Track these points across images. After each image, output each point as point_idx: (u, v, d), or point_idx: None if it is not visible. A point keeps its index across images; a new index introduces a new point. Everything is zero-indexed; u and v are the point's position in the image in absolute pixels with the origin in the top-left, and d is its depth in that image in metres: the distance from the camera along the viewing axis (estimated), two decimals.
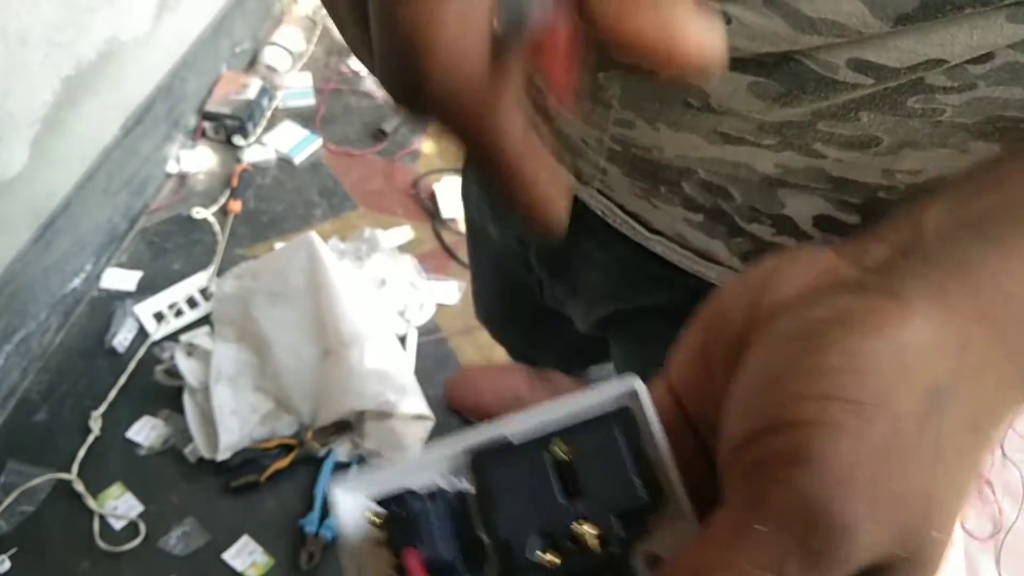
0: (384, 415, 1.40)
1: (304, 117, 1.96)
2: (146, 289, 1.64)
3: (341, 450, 1.43)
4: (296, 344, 1.45)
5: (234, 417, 1.41)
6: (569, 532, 0.25)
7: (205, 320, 1.58)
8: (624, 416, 0.27)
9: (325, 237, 1.67)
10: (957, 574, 1.53)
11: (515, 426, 0.27)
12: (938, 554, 0.23)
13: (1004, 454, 1.64)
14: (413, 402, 1.41)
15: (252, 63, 2.06)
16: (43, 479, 1.38)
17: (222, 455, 1.39)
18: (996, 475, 1.62)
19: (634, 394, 0.27)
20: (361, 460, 1.42)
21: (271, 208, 1.81)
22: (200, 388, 1.45)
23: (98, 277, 1.65)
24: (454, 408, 1.36)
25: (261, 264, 1.54)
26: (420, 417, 1.42)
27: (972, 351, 0.24)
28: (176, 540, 1.35)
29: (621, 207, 0.54)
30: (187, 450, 1.42)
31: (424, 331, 1.61)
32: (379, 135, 1.94)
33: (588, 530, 0.25)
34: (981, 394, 0.24)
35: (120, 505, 1.38)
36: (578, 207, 0.57)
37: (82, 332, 1.59)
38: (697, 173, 0.46)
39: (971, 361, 0.23)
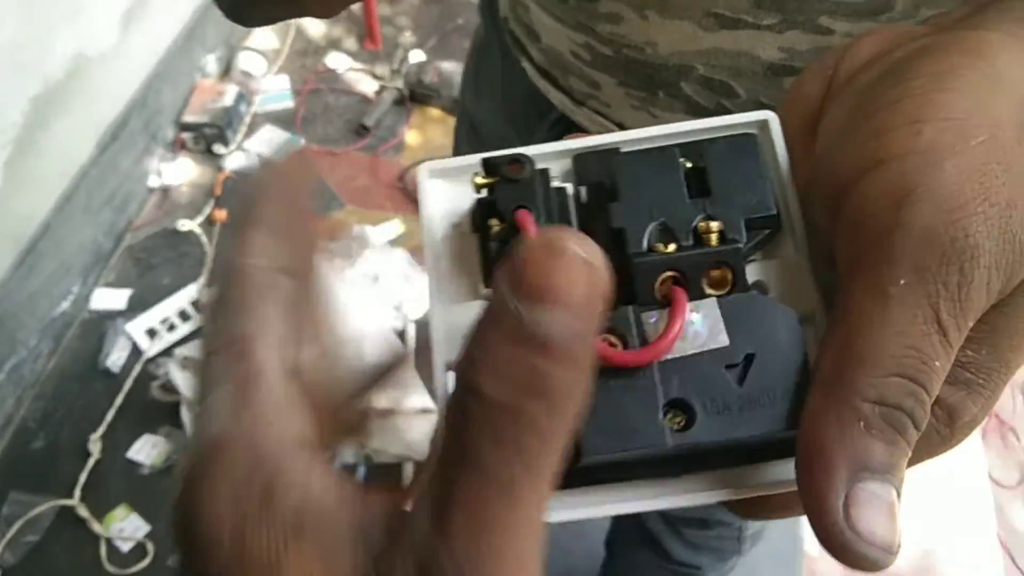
0: (388, 412, 1.37)
1: (284, 120, 1.93)
2: (137, 306, 1.61)
3: (346, 451, 1.39)
4: None
5: None
6: (692, 228, 0.23)
7: (199, 333, 1.54)
8: (754, 138, 0.25)
9: None
10: (988, 525, 1.49)
11: (631, 138, 0.26)
12: None
13: None
14: (416, 397, 1.38)
15: (227, 70, 2.02)
16: (46, 507, 1.35)
17: None
18: (1019, 421, 1.58)
19: (764, 124, 0.26)
20: (368, 460, 1.38)
21: None
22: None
23: (87, 298, 1.62)
24: None
25: None
26: (425, 412, 1.39)
27: None
28: None
29: (620, 125, 0.51)
30: None
31: (422, 324, 1.58)
32: (361, 131, 1.90)
33: (712, 226, 0.23)
34: None
35: (126, 527, 1.35)
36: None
37: (75, 355, 1.56)
38: (696, 70, 0.43)
39: None
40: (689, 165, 0.24)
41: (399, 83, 1.98)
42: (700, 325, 0.22)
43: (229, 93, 1.88)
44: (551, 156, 0.26)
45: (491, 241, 0.24)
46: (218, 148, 1.84)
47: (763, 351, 0.22)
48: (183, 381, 1.44)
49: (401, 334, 1.54)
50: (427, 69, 1.98)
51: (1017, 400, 1.60)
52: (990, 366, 0.21)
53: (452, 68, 1.94)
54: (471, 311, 0.25)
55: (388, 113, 1.95)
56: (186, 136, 1.85)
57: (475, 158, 0.26)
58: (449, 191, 0.26)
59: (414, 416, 1.38)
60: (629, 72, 0.46)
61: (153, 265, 1.69)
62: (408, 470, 1.38)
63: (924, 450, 0.21)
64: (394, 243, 1.70)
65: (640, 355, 0.21)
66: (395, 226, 1.73)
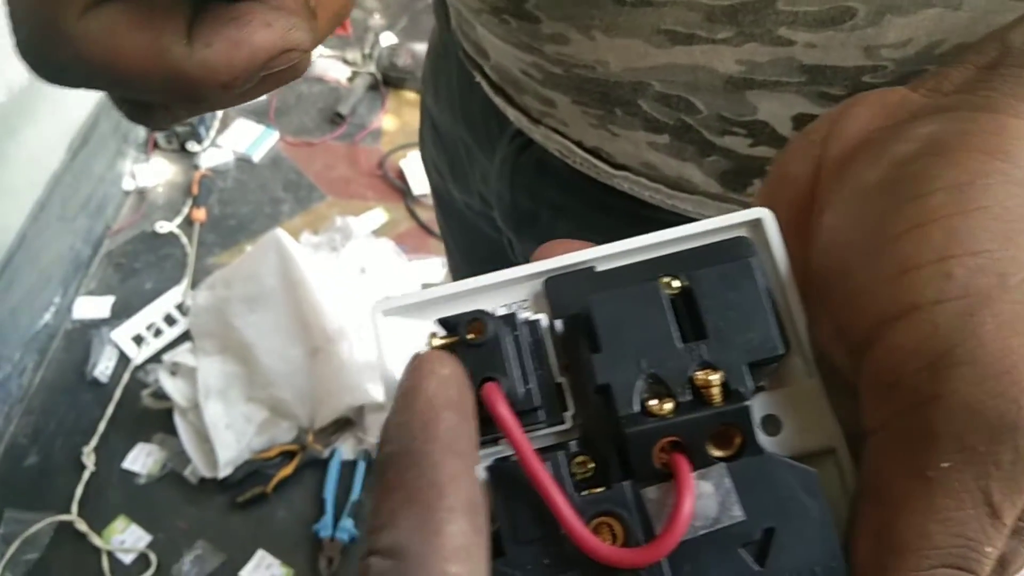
0: (384, 406, 1.36)
1: (257, 112, 1.89)
2: (121, 313, 1.58)
3: (345, 448, 1.38)
4: (281, 347, 1.39)
5: (229, 431, 1.36)
6: (687, 380, 0.20)
7: (186, 336, 1.52)
8: (749, 249, 0.22)
9: (296, 232, 1.61)
10: None
11: (606, 254, 0.23)
12: None
13: None
14: None
15: None
16: (44, 523, 1.33)
17: (223, 471, 1.34)
18: None
19: (757, 223, 0.22)
20: (367, 456, 1.37)
21: (237, 211, 1.74)
22: (190, 407, 1.40)
23: (69, 308, 1.59)
24: None
25: (232, 271, 1.48)
26: None
27: None
28: (190, 565, 1.30)
29: (579, 144, 0.48)
30: (187, 472, 1.38)
31: None
32: (336, 119, 1.87)
33: (712, 379, 0.20)
34: None
35: (127, 538, 1.33)
36: (536, 152, 0.52)
37: (61, 367, 1.53)
38: (652, 86, 0.41)
39: None
40: (676, 285, 0.21)
41: (372, 68, 1.94)
42: (710, 498, 0.20)
43: None
44: (521, 280, 0.23)
45: None
46: (192, 146, 1.80)
47: (783, 523, 0.19)
48: (172, 387, 1.42)
49: None
50: (399, 52, 1.95)
51: None
52: None
53: (425, 49, 1.90)
54: None
55: (363, 99, 1.91)
56: (158, 135, 1.81)
57: (432, 293, 0.23)
58: (407, 329, 0.23)
59: None
60: (582, 91, 0.43)
61: (135, 270, 1.66)
62: None
63: None
64: (378, 233, 1.67)
65: (647, 553, 0.19)
66: (378, 215, 1.71)
